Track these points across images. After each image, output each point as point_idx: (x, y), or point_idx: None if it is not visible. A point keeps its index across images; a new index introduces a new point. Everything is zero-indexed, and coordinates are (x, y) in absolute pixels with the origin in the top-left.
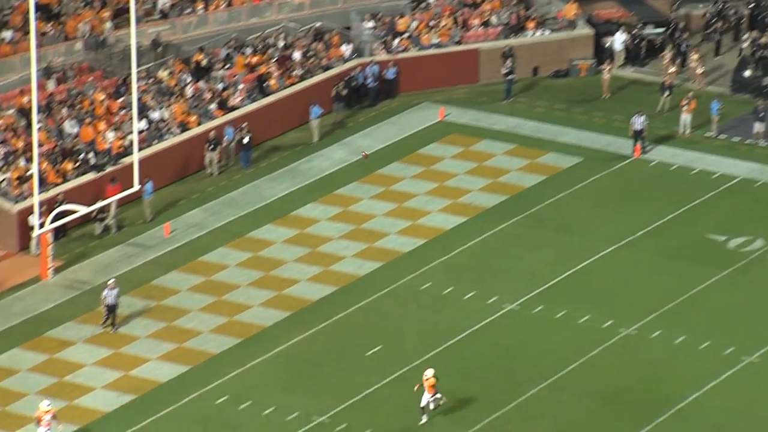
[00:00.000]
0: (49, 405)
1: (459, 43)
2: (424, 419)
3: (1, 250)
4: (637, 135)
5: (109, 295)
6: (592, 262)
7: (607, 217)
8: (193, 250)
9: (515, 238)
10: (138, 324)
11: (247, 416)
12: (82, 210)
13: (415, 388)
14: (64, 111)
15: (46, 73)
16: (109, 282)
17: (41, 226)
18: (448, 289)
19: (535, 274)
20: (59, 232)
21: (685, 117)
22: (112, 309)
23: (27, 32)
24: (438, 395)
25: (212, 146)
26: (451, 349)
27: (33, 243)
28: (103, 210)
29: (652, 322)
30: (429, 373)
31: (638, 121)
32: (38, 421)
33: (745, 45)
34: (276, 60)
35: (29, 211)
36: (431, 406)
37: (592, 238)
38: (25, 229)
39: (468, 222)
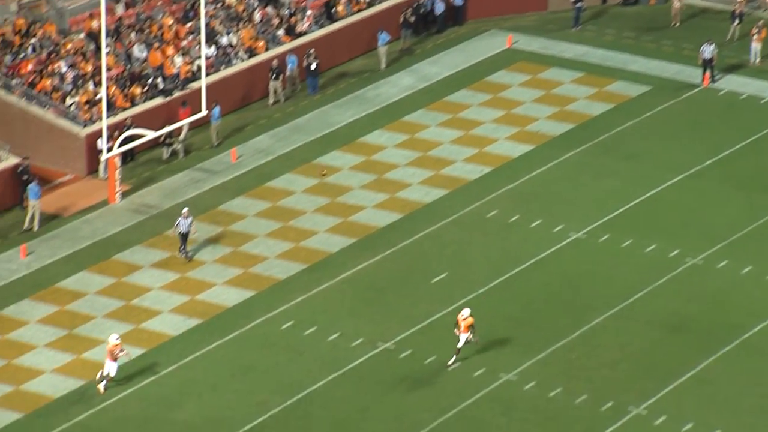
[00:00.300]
0: (117, 339)
1: None
2: (455, 363)
3: (69, 174)
4: (707, 64)
5: (182, 224)
6: (660, 191)
7: (675, 146)
8: (260, 176)
9: (582, 167)
10: (205, 249)
11: (312, 342)
12: (150, 134)
13: (456, 332)
14: (133, 35)
15: None
16: (183, 211)
17: (109, 150)
18: (514, 217)
19: (602, 203)
20: (127, 157)
21: (756, 46)
22: (184, 237)
23: None
24: (472, 336)
25: (275, 75)
26: (516, 277)
27: (101, 167)
28: (171, 135)
29: (718, 252)
30: (466, 312)
31: (708, 50)
32: (110, 355)
33: None
34: None
35: (97, 135)
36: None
37: (659, 167)
38: (94, 153)
39: (535, 150)
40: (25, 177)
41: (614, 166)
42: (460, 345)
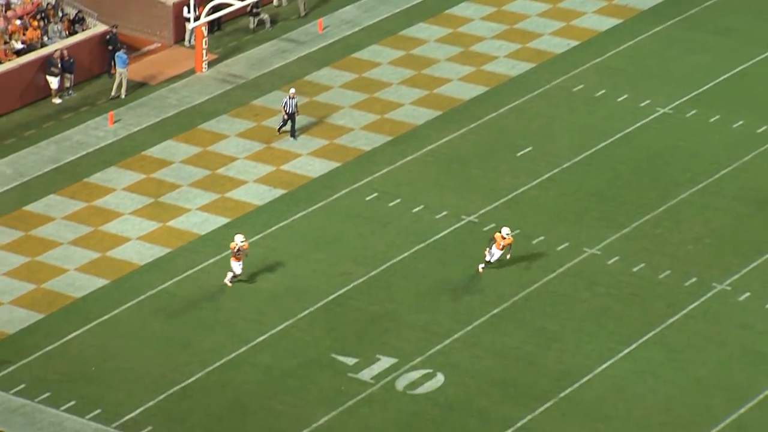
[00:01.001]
0: (242, 240)
1: None
2: (481, 267)
3: (156, 42)
4: None
5: (289, 104)
6: (750, 66)
7: (766, 20)
8: (346, 47)
9: (671, 41)
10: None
11: (396, 213)
12: (237, 4)
13: (487, 250)
14: None
15: None
16: (291, 91)
17: (197, 19)
18: (601, 92)
19: (690, 78)
20: (214, 26)
21: None
22: (291, 117)
23: None
24: (507, 254)
25: None
26: (601, 152)
27: (188, 35)
28: (258, 5)
29: None
30: (506, 231)
31: None
32: (235, 253)
33: None
34: None
35: (185, 3)
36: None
37: (750, 41)
38: (181, 22)
39: (623, 24)
40: (112, 45)
41: (703, 41)
42: (490, 259)
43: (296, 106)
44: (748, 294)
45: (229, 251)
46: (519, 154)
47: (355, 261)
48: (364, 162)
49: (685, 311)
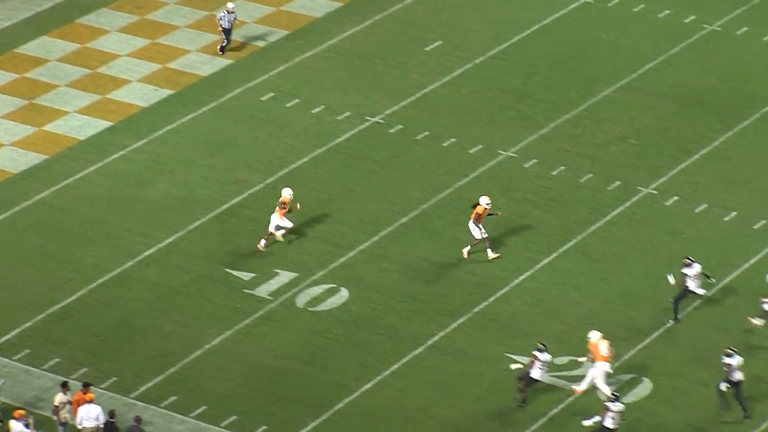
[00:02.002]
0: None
1: None
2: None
3: None
4: None
5: (226, 18)
6: None
7: None
8: None
9: None
10: (176, 12)
11: (295, 115)
12: None
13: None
14: None
15: None
16: (229, 5)
17: None
18: None
19: None
20: None
21: None
22: (227, 33)
23: None
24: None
25: None
26: (517, 46)
27: None
28: None
29: (738, 18)
30: (485, 201)
31: None
32: (282, 206)
33: None
34: None
35: None
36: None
37: None
38: None
39: None
40: None
41: None
42: (477, 236)
43: (233, 21)
44: (675, 198)
45: (280, 204)
46: (428, 48)
47: (250, 167)
48: (259, 59)
49: (608, 217)
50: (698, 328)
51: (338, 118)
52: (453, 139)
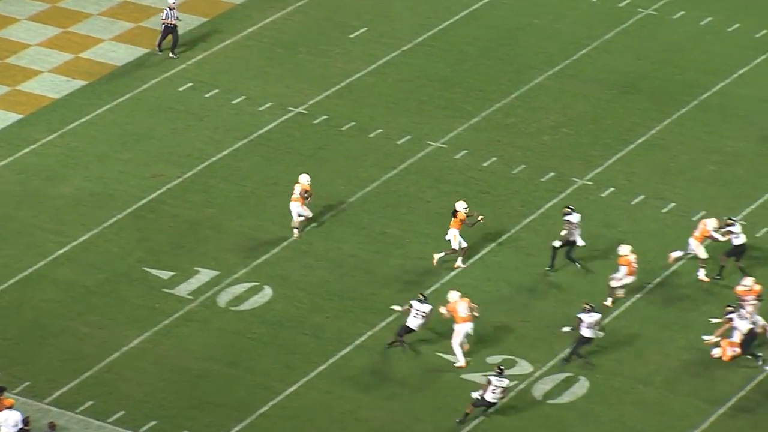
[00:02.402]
0: (308, 179)
1: None
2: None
3: None
4: None
5: (169, 15)
6: None
7: None
8: None
9: None
10: (89, 0)
11: (214, 105)
12: None
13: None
14: None
15: None
16: (170, 1)
17: None
18: None
19: None
20: None
21: None
22: (172, 31)
23: None
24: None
25: None
26: (445, 32)
27: None
28: None
29: (675, 1)
30: (462, 206)
31: None
32: (303, 194)
33: None
34: None
35: None
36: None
37: None
38: None
39: None
40: None
41: None
42: (455, 246)
43: (177, 18)
44: (611, 189)
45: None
46: (352, 35)
47: (168, 161)
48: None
49: (542, 210)
50: (636, 324)
51: (260, 108)
52: (380, 130)
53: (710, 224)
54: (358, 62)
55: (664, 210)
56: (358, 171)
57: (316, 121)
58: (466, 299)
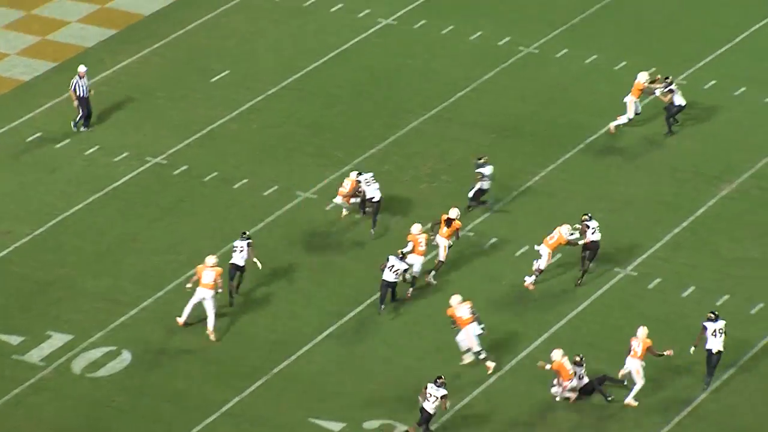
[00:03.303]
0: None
1: None
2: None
3: None
4: None
5: (80, 86)
6: None
7: None
8: None
9: None
10: None
11: (66, 157)
12: None
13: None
14: None
15: None
16: (81, 69)
17: None
18: (310, 1)
19: None
20: None
21: None
22: (84, 103)
23: None
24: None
25: None
26: (314, 74)
27: None
28: None
29: (558, 39)
30: (455, 212)
31: None
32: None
33: None
34: None
35: None
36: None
37: None
38: None
39: None
40: None
41: None
42: (442, 257)
43: (88, 89)
44: (494, 239)
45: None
46: (214, 79)
47: (16, 217)
48: (22, 94)
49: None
50: (523, 384)
51: (115, 159)
52: (245, 180)
53: (564, 231)
54: (221, 108)
55: (552, 260)
56: (222, 225)
57: (176, 172)
58: (469, 302)
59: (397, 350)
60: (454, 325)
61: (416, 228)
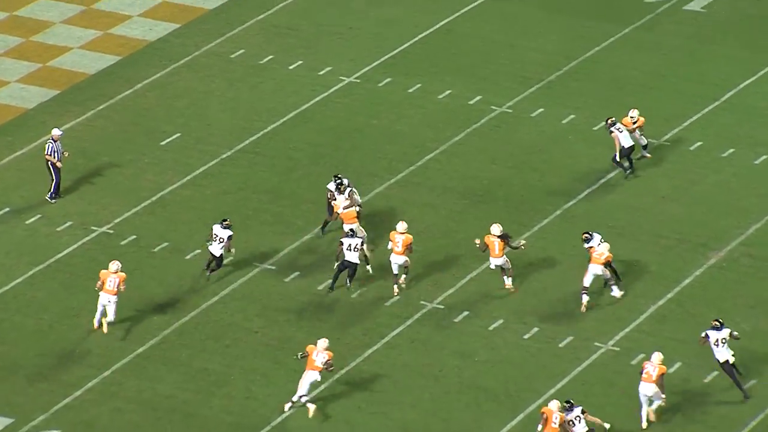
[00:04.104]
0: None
1: None
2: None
3: None
4: None
5: (55, 150)
6: (454, 19)
7: None
8: None
9: None
10: None
11: (6, 227)
12: None
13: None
14: None
15: None
16: (55, 132)
17: None
18: (267, 58)
19: (381, 37)
20: None
21: None
22: (54, 171)
23: None
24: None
25: None
26: (271, 136)
27: None
28: None
29: (532, 97)
30: (401, 227)
31: None
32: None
33: None
34: None
35: None
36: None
37: None
38: None
39: None
40: None
41: None
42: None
43: (62, 153)
44: (465, 313)
45: None
46: (164, 142)
47: None
48: None
49: (387, 339)
50: None
51: (58, 229)
52: (197, 251)
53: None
54: (171, 173)
55: (526, 336)
56: (174, 298)
57: (123, 242)
58: (330, 354)
59: (363, 430)
60: (301, 356)
61: (401, 226)
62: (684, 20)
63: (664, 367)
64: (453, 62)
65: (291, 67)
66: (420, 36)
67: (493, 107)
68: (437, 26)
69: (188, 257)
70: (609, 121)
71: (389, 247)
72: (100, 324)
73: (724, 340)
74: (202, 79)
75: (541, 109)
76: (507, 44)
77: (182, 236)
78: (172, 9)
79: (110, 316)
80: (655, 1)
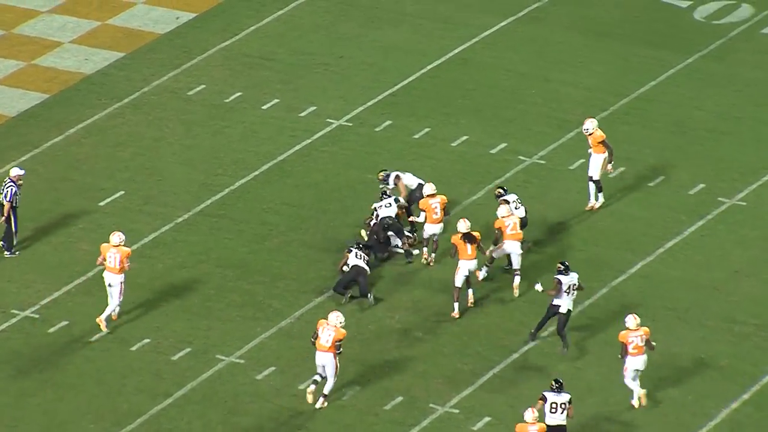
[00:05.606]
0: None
1: None
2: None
3: None
4: None
5: (11, 192)
6: (474, 44)
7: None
8: None
9: (345, 11)
10: None
11: None
12: None
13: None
14: None
15: None
16: (16, 172)
17: None
18: (235, 95)
19: (380, 72)
20: None
21: None
22: (11, 215)
23: None
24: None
25: None
26: (239, 195)
27: None
28: None
29: (570, 144)
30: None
31: None
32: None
33: None
34: None
35: None
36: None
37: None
38: None
39: None
40: None
41: (400, 8)
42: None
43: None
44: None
45: None
46: (103, 203)
47: None
48: None
49: None
50: None
51: None
52: (146, 340)
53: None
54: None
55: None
56: (117, 401)
57: (52, 329)
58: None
59: None
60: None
61: (429, 188)
62: (763, 47)
63: (647, 328)
64: (470, 100)
65: (264, 107)
66: (428, 67)
67: (522, 157)
68: (450, 55)
69: (134, 348)
70: (500, 191)
71: (420, 219)
72: (109, 317)
73: (574, 287)
74: (152, 123)
75: (582, 160)
76: (538, 78)
77: (125, 322)
78: (113, 33)
79: (114, 303)
80: (727, 23)
